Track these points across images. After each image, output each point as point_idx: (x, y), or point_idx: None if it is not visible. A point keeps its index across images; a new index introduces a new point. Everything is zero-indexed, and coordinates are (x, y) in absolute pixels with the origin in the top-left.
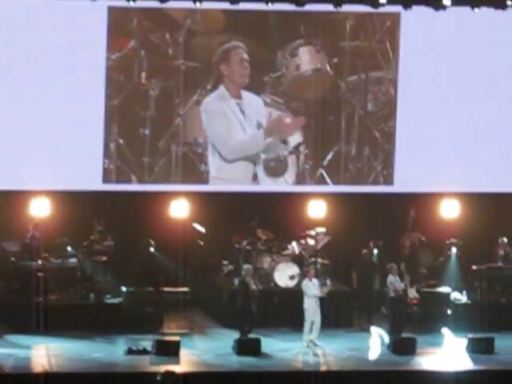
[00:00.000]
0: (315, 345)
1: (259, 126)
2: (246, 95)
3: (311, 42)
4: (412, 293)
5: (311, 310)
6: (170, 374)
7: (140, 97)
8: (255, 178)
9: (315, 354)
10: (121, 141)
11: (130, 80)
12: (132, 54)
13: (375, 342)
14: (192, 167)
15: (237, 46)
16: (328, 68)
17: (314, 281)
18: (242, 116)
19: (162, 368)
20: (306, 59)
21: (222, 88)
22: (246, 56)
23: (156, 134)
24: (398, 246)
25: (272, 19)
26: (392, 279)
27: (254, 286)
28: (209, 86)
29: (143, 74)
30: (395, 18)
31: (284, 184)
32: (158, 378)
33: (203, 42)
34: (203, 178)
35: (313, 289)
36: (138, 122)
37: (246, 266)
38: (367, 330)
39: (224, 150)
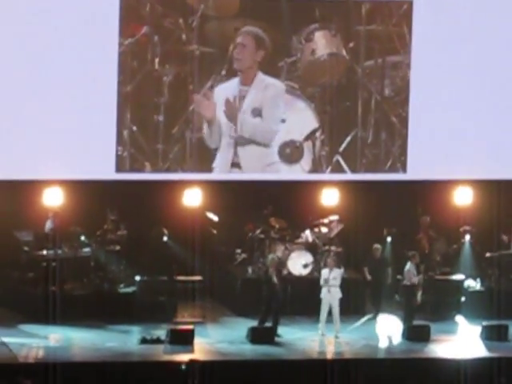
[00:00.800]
0: (337, 337)
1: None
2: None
3: (327, 26)
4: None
5: (328, 299)
6: (194, 363)
7: (153, 83)
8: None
9: (329, 343)
10: (134, 128)
11: (143, 66)
12: (145, 40)
13: (389, 330)
14: (206, 154)
15: (245, 32)
16: (344, 52)
17: (336, 270)
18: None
19: (176, 357)
20: (321, 44)
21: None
22: (243, 40)
23: (170, 121)
24: (411, 235)
25: (287, 3)
26: (410, 268)
27: (274, 279)
28: (223, 72)
29: (156, 60)
30: (408, 4)
31: (300, 171)
32: (183, 366)
33: (217, 27)
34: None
35: (332, 279)
36: (152, 109)
37: (271, 256)
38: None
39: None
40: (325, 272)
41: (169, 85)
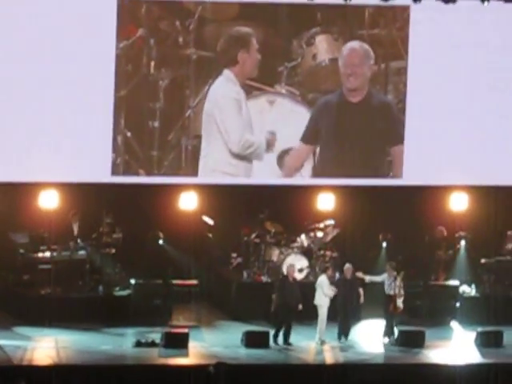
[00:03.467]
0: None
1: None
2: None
3: (328, 29)
4: (399, 302)
5: (325, 306)
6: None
7: (149, 87)
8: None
9: (323, 347)
10: (128, 134)
11: (138, 70)
12: (141, 43)
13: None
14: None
15: (253, 34)
16: None
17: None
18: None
19: (171, 361)
20: (322, 48)
21: (227, 72)
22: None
23: (165, 127)
24: (405, 239)
25: (287, 7)
26: (385, 280)
27: (291, 286)
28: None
29: (152, 64)
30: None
31: (299, 177)
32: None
33: (215, 31)
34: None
35: (329, 288)
36: (147, 114)
37: (289, 263)
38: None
39: (231, 142)
40: (322, 279)
41: (165, 89)
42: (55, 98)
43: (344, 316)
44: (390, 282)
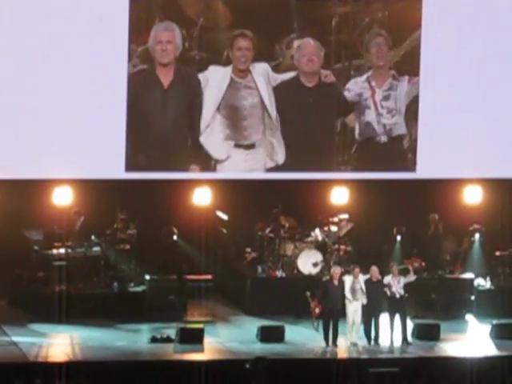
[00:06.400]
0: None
1: None
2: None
3: (303, 35)
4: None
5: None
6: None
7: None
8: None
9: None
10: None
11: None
12: None
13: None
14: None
15: (239, 34)
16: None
17: (361, 279)
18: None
19: (186, 356)
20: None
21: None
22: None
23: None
24: (420, 233)
25: (271, 15)
26: (389, 281)
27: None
28: None
29: None
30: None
31: (312, 172)
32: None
33: (214, 36)
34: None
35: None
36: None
37: (334, 269)
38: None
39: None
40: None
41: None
42: (69, 94)
43: (374, 320)
44: (392, 281)
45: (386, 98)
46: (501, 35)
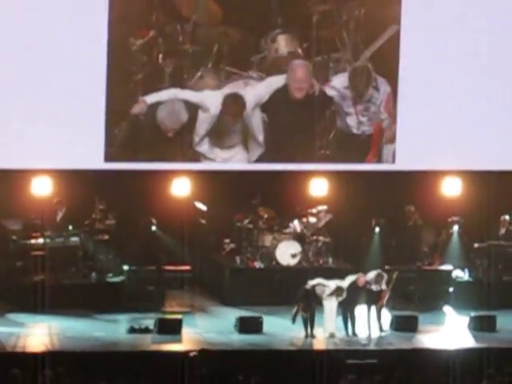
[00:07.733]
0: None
1: None
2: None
3: (287, 31)
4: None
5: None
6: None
7: (158, 73)
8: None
9: (316, 333)
10: (121, 119)
11: (150, 60)
12: (152, 41)
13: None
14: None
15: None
16: (299, 51)
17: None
18: None
19: (165, 346)
20: (282, 44)
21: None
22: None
23: None
24: (399, 224)
25: (257, 12)
26: (370, 278)
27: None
28: (210, 65)
29: (160, 56)
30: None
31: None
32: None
33: (205, 32)
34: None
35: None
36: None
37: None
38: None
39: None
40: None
41: (169, 75)
42: (48, 84)
43: (350, 312)
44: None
45: (366, 109)
46: (479, 30)
